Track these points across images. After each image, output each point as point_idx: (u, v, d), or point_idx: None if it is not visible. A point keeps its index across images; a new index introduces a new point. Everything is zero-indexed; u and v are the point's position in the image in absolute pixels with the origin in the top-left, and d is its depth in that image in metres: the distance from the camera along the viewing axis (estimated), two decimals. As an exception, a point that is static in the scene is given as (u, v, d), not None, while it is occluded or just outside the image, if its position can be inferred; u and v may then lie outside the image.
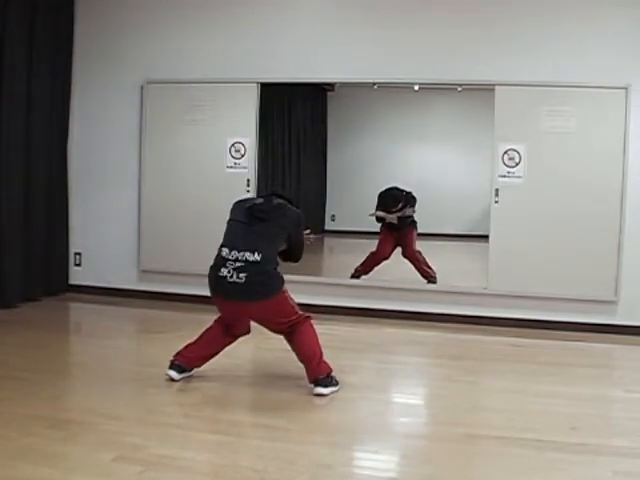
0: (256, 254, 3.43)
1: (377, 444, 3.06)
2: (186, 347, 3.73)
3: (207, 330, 3.75)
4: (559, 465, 2.80)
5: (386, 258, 6.01)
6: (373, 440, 3.12)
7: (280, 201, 3.66)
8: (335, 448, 2.97)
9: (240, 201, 3.75)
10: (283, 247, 3.64)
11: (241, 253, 3.43)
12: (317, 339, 3.63)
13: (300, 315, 3.60)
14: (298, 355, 3.63)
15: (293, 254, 3.73)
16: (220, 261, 3.49)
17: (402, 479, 2.77)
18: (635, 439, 3.09)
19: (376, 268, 5.95)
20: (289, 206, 3.68)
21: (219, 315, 3.72)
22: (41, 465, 2.63)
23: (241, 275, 3.41)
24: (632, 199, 5.09)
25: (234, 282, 3.41)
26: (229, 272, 3.43)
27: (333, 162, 7.09)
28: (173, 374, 3.69)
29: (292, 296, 3.62)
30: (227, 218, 3.67)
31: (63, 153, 6.06)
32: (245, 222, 3.54)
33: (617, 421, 3.42)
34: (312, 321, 3.66)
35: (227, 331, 3.72)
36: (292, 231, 3.61)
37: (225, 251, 3.49)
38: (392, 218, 6.06)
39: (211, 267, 3.55)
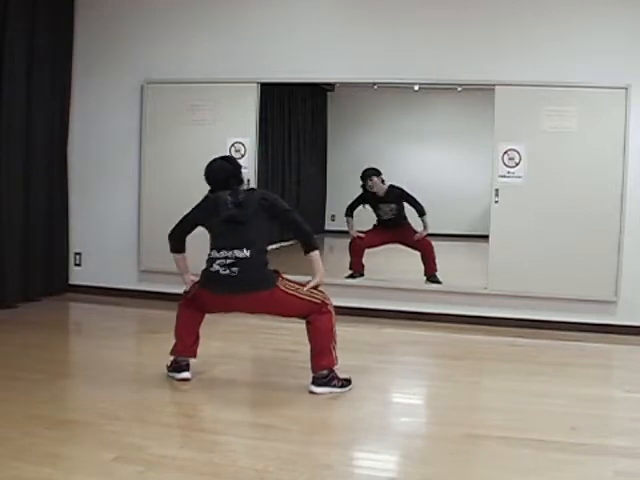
0: (245, 250, 3.46)
1: (377, 444, 3.06)
2: (174, 344, 3.75)
3: (180, 321, 3.75)
4: (559, 465, 2.80)
5: (370, 246, 6.05)
6: (373, 440, 3.11)
7: (244, 197, 3.56)
8: (335, 448, 2.97)
9: (210, 201, 3.62)
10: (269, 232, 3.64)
11: (230, 252, 3.47)
12: (330, 330, 3.58)
13: (317, 305, 3.56)
14: (309, 343, 3.62)
15: (296, 226, 3.59)
16: (210, 261, 3.53)
17: (402, 479, 2.77)
18: (636, 439, 3.08)
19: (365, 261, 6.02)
20: (254, 192, 3.66)
21: (184, 301, 3.74)
22: (41, 465, 2.63)
23: (234, 269, 3.45)
24: (632, 199, 5.09)
25: (227, 275, 3.45)
26: (221, 267, 3.47)
27: (333, 162, 7.09)
28: (186, 375, 3.71)
29: (298, 286, 3.57)
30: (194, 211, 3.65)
31: (63, 153, 6.06)
32: (227, 224, 3.51)
33: (617, 421, 3.42)
34: (330, 308, 3.60)
35: (196, 311, 3.72)
36: (270, 207, 3.56)
37: (214, 252, 3.52)
38: (379, 187, 6.10)
39: (203, 270, 3.59)
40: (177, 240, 3.72)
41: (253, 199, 3.58)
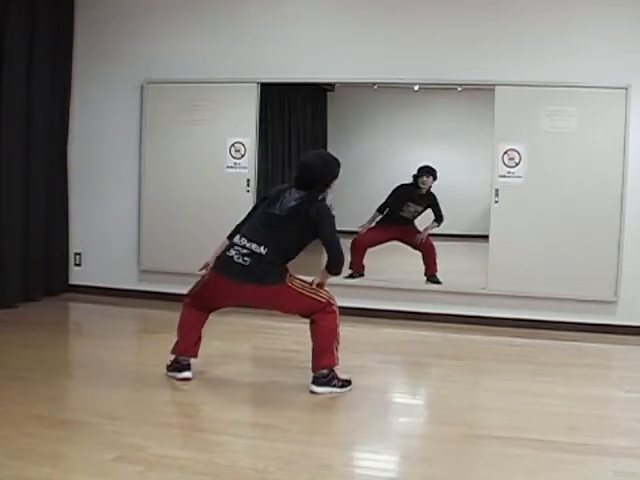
0: (262, 247, 3.49)
1: (377, 444, 3.06)
2: (176, 343, 3.75)
3: (183, 320, 3.75)
4: (559, 465, 2.80)
5: (371, 245, 6.04)
6: (373, 440, 3.12)
7: (301, 207, 3.53)
8: (335, 448, 2.97)
9: (275, 192, 3.67)
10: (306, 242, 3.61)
11: (250, 243, 3.51)
12: (333, 330, 3.59)
13: (321, 304, 3.58)
14: (312, 342, 3.64)
15: (328, 257, 3.56)
16: (229, 246, 3.60)
17: (402, 479, 2.77)
18: (636, 439, 3.09)
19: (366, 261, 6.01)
20: (311, 209, 3.52)
21: (188, 300, 3.74)
22: (41, 465, 2.62)
23: (246, 259, 3.49)
24: (632, 199, 5.09)
25: (239, 263, 3.49)
26: (236, 253, 3.51)
27: (333, 162, 7.07)
28: (187, 374, 3.71)
29: (305, 284, 3.59)
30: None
31: (63, 153, 6.06)
32: (264, 219, 3.57)
33: (617, 421, 3.42)
34: (334, 309, 3.61)
35: (201, 310, 3.73)
36: (313, 229, 3.53)
37: (236, 238, 3.59)
38: (428, 186, 6.04)
39: (219, 255, 3.64)
40: (241, 224, 3.73)
41: (305, 209, 3.51)
